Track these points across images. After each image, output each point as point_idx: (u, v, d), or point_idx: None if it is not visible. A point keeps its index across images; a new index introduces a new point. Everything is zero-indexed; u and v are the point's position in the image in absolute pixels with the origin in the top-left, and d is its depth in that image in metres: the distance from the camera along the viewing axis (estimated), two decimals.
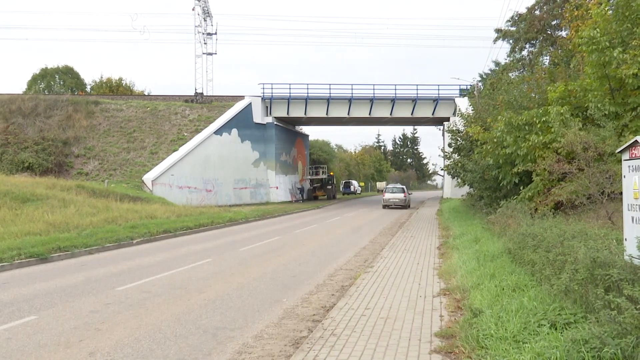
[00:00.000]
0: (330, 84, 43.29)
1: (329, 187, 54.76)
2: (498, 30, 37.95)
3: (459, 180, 23.66)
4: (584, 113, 13.33)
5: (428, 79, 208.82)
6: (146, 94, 57.98)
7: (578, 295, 5.56)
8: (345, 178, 74.65)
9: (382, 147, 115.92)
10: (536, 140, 12.93)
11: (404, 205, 36.40)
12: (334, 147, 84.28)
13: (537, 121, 13.21)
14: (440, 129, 47.92)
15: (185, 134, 38.19)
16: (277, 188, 43.65)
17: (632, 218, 5.53)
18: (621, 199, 6.10)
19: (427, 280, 9.52)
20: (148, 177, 32.38)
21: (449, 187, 42.00)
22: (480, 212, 18.44)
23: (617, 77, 12.01)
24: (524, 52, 36.54)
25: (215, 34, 46.01)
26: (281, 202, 41.69)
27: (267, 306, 8.17)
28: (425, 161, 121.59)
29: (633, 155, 5.63)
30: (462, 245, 12.57)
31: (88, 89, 62.39)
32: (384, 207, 36.23)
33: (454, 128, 25.35)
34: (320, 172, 54.68)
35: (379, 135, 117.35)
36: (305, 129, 57.09)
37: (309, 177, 54.18)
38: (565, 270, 5.82)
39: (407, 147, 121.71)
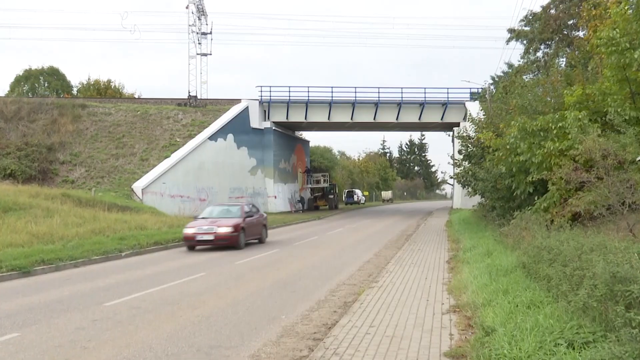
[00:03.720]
0: (332, 87, 43.52)
1: (331, 196, 54.78)
2: (511, 30, 38.12)
3: (470, 189, 23.66)
4: (603, 118, 13.36)
5: (436, 81, 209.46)
6: (136, 97, 58.16)
7: (597, 313, 5.56)
8: (348, 187, 74.68)
9: (388, 154, 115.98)
10: (552, 147, 12.95)
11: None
12: (337, 153, 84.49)
13: (553, 127, 13.24)
14: (449, 135, 47.97)
15: (178, 140, 38.27)
16: (275, 197, 43.68)
17: None
18: None
19: (435, 296, 9.51)
20: (138, 186, 32.41)
21: (459, 197, 41.99)
22: (493, 223, 18.42)
23: (638, 81, 12.05)
24: (539, 54, 36.69)
25: (210, 33, 46.31)
26: (280, 213, 41.69)
27: (264, 323, 8.17)
28: (433, 169, 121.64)
29: None
30: (473, 259, 12.55)
31: (74, 91, 62.57)
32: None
33: (464, 134, 25.38)
34: (321, 180, 54.71)
35: (384, 141, 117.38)
36: (305, 135, 57.22)
37: (310, 185, 54.21)
38: (583, 286, 5.83)
39: (415, 154, 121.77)
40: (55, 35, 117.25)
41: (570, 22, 33.29)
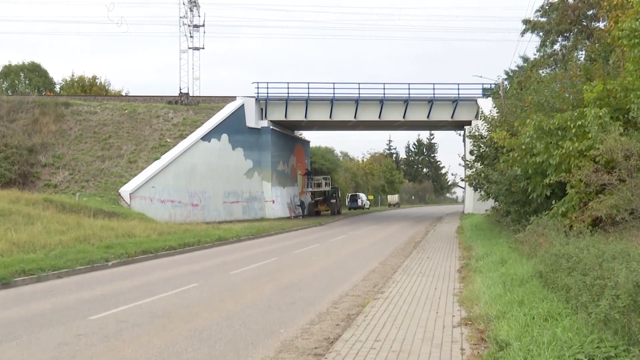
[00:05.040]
0: (334, 83, 43.64)
1: (333, 200, 54.78)
2: (526, 22, 38.16)
3: (482, 192, 23.70)
4: (626, 116, 13.37)
5: (446, 77, 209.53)
6: (124, 94, 58.31)
7: (619, 325, 5.57)
8: (351, 190, 74.76)
9: (394, 155, 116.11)
10: (571, 147, 12.95)
11: None
12: (339, 154, 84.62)
13: (572, 125, 13.25)
14: (460, 134, 48.02)
15: (169, 140, 38.34)
16: (273, 202, 43.70)
17: None
18: None
19: (445, 308, 9.52)
20: (125, 190, 32.46)
21: (470, 201, 41.99)
22: (507, 229, 18.45)
23: None
24: (556, 46, 36.72)
25: (203, 26, 46.37)
26: (278, 218, 41.73)
27: (262, 338, 8.19)
28: (443, 171, 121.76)
29: None
30: (486, 268, 12.58)
31: (57, 88, 62.77)
32: None
33: (476, 133, 25.45)
34: (323, 183, 54.73)
35: (390, 141, 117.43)
36: (305, 135, 57.26)
37: (310, 189, 54.24)
38: (605, 297, 5.83)
39: (423, 154, 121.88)
40: (36, 28, 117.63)
41: (590, 12, 33.31)
